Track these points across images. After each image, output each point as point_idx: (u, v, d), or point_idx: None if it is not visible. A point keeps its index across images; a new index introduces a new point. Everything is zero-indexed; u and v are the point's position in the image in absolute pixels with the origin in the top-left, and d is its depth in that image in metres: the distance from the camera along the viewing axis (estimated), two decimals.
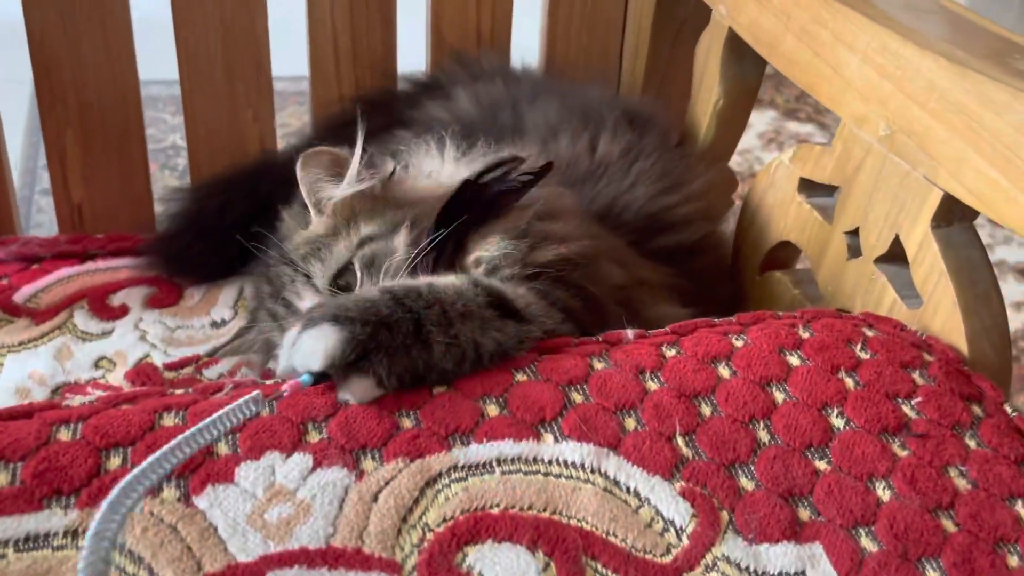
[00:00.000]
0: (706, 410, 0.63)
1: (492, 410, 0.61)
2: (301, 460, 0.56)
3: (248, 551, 0.52)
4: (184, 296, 1.04)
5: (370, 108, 1.16)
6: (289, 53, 1.17)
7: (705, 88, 1.06)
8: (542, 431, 0.60)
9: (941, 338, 0.73)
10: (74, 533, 0.51)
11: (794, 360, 0.67)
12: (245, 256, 1.08)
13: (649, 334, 0.70)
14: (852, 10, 0.82)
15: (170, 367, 0.94)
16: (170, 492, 0.53)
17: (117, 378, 0.92)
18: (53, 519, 0.51)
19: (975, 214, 0.75)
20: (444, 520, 0.55)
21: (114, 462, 0.54)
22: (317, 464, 0.56)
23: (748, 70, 1.03)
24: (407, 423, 0.60)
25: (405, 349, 0.60)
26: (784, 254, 0.98)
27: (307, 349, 0.59)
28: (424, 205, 0.77)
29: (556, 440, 0.60)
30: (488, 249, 0.74)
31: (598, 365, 0.66)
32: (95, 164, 1.12)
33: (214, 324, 1.01)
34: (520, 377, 0.64)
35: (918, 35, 0.76)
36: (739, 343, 0.68)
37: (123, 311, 1.01)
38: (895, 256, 0.80)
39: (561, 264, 0.73)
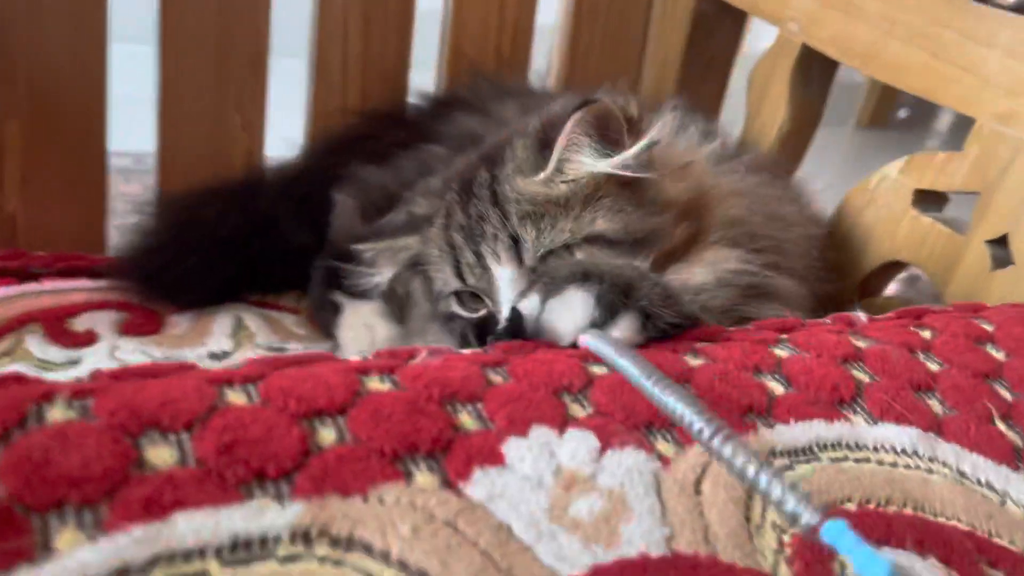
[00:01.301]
0: (1005, 393, 0.51)
1: (776, 387, 0.46)
2: (582, 438, 0.38)
3: (570, 560, 0.33)
4: (166, 323, 0.82)
5: (386, 122, 1.01)
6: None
7: (766, 112, 0.99)
8: (846, 412, 0.46)
9: None
10: (306, 537, 0.30)
11: None
12: (242, 280, 0.88)
13: (881, 317, 0.58)
14: (985, 5, 0.77)
15: None
16: (424, 476, 0.34)
17: None
18: (267, 515, 0.30)
19: None
20: None
21: (326, 436, 0.34)
22: (606, 444, 0.38)
23: (814, 90, 0.97)
24: None
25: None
26: (877, 280, 0.89)
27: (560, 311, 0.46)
28: (668, 215, 0.60)
29: (869, 422, 0.45)
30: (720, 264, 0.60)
31: (859, 342, 0.52)
32: (40, 166, 0.88)
33: (213, 356, 0.78)
34: (781, 352, 0.49)
35: None
36: (988, 326, 0.57)
37: (90, 337, 0.77)
38: None
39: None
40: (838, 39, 0.90)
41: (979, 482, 0.44)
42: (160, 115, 0.93)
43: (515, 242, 0.59)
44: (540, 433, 0.38)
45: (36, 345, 0.74)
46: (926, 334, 0.55)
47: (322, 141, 1.00)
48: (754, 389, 0.45)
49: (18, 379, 0.34)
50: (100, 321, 0.79)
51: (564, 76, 1.13)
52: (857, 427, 0.45)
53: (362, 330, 0.81)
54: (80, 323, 0.78)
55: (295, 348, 0.82)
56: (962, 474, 0.44)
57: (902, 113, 3.20)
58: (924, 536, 0.39)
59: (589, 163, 0.58)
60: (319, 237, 0.90)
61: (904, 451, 0.44)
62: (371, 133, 0.99)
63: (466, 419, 0.37)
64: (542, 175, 0.59)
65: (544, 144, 0.60)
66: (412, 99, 1.04)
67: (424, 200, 0.68)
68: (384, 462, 0.33)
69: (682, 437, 0.40)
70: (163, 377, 0.35)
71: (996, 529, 0.41)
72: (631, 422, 0.40)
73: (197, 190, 0.89)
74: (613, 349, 0.41)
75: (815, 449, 0.43)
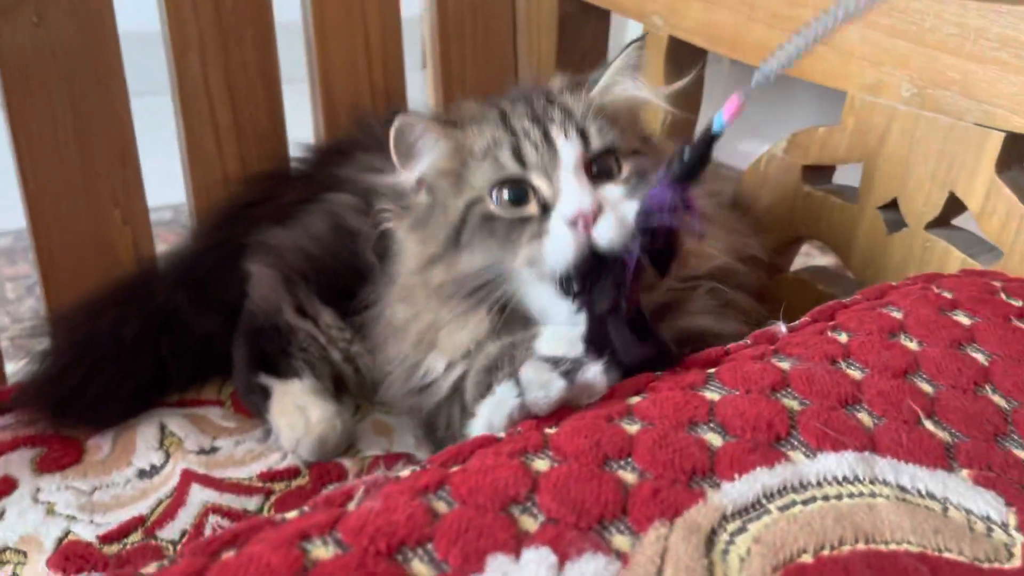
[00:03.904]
0: (926, 387, 0.53)
1: (714, 439, 0.47)
2: (539, 558, 0.38)
3: None
4: (87, 449, 0.78)
5: (277, 182, 0.98)
6: None
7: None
8: (786, 450, 0.47)
9: None
10: None
11: (963, 319, 0.59)
12: (158, 383, 0.85)
13: (798, 325, 0.59)
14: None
15: (108, 539, 0.68)
16: None
17: (36, 571, 0.65)
18: None
19: None
20: None
21: None
22: (563, 557, 0.38)
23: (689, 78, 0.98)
24: (629, 476, 0.43)
25: None
26: (782, 257, 0.91)
27: None
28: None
29: (808, 456, 0.46)
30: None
31: (783, 364, 0.53)
32: None
33: (143, 474, 0.76)
34: (712, 396, 0.50)
35: None
36: (897, 314, 0.59)
37: (8, 485, 0.74)
38: (947, 217, 0.76)
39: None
40: (702, 28, 0.91)
41: (919, 493, 0.46)
42: (33, 227, 0.89)
43: (581, 129, 0.64)
44: (497, 564, 0.37)
45: None
46: (842, 338, 0.56)
47: (211, 217, 0.96)
48: (693, 448, 0.45)
49: None
50: (15, 463, 0.76)
51: (443, 94, 1.12)
52: (798, 464, 0.46)
53: (295, 414, 0.79)
54: None
55: (227, 445, 0.80)
56: (902, 489, 0.46)
57: None
58: (880, 573, 0.40)
59: (630, 85, 0.68)
60: (227, 318, 0.88)
61: (846, 479, 0.45)
62: (264, 196, 0.95)
63: (419, 567, 0.37)
64: (596, 89, 0.68)
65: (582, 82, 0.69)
66: (299, 153, 1.01)
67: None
68: None
69: (636, 525, 0.41)
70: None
71: (944, 543, 0.43)
72: (583, 522, 0.40)
73: (89, 300, 0.86)
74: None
75: (763, 501, 0.43)
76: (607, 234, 0.58)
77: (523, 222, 0.63)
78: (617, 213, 0.59)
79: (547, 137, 0.63)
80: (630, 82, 0.68)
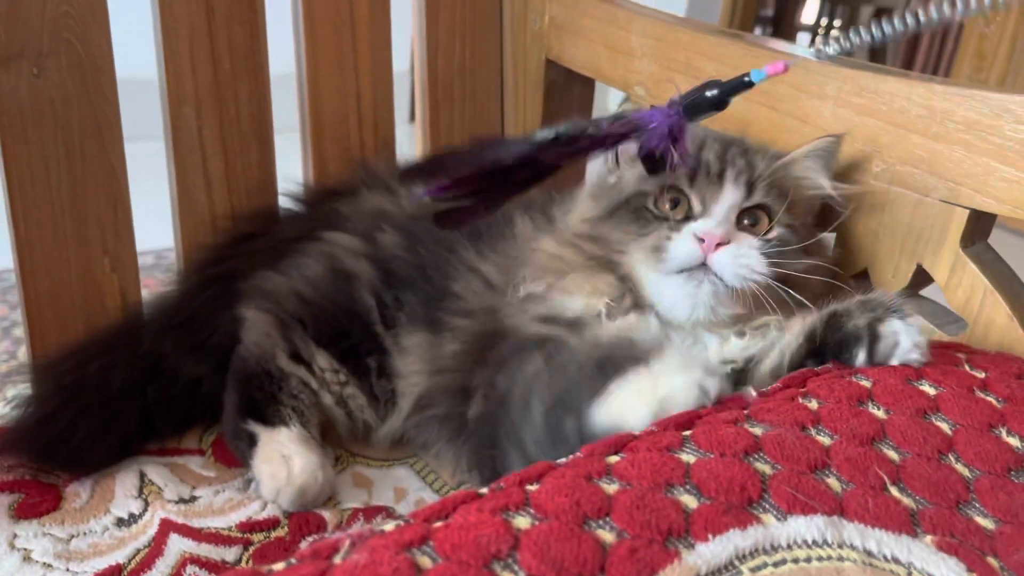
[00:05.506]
0: (893, 455, 0.55)
1: (689, 501, 0.48)
2: None
3: None
4: (65, 496, 0.78)
5: (269, 219, 1.00)
6: None
7: None
8: (758, 512, 0.48)
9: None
10: None
11: (928, 388, 0.61)
12: (145, 429, 0.85)
13: (768, 391, 0.61)
14: (813, 60, 0.83)
15: None
16: None
17: None
18: None
19: (990, 230, 0.76)
20: None
21: None
22: None
23: None
24: (607, 536, 0.45)
25: None
26: None
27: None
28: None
29: (779, 519, 0.48)
30: None
31: (755, 430, 0.55)
32: None
33: (121, 523, 0.76)
34: (688, 458, 0.52)
35: (891, 69, 0.79)
36: (866, 382, 0.61)
37: None
38: (916, 288, 0.79)
39: None
40: None
41: (885, 558, 0.47)
42: (20, 271, 0.90)
43: (751, 183, 0.73)
44: None
45: None
46: (812, 405, 0.58)
47: (202, 253, 0.97)
48: (670, 509, 0.47)
49: None
50: None
51: (430, 150, 1.15)
52: (769, 527, 0.47)
53: (279, 463, 0.79)
54: None
55: (206, 494, 0.80)
56: (869, 553, 0.47)
57: None
58: None
59: (812, 169, 0.77)
60: (217, 361, 0.88)
61: (815, 542, 0.47)
62: (259, 231, 0.97)
63: None
64: (782, 160, 0.76)
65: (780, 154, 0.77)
66: (296, 191, 1.03)
67: None
68: None
69: None
70: None
71: None
72: None
73: (75, 348, 0.87)
74: None
75: (736, 563, 0.45)
76: (721, 261, 0.68)
77: (664, 220, 0.73)
78: (739, 252, 0.69)
79: (721, 176, 0.73)
80: (812, 165, 0.77)
